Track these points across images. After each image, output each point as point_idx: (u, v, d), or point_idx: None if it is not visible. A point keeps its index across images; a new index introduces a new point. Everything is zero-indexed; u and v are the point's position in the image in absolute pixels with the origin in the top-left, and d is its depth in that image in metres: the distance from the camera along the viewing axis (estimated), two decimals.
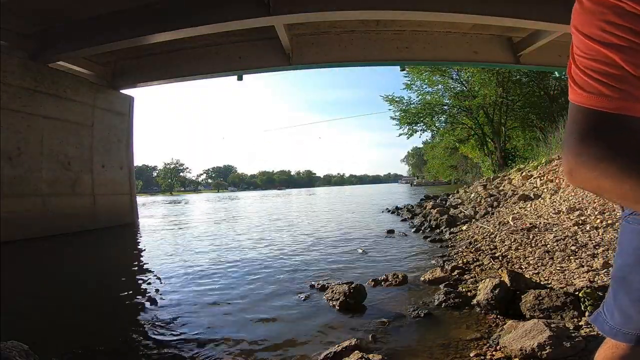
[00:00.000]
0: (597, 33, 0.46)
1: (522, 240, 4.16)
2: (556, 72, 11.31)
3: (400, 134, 20.31)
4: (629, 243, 0.71)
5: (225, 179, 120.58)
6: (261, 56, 8.58)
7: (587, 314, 2.06)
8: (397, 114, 20.01)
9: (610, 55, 0.46)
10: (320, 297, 2.89)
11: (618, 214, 4.12)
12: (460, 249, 4.44)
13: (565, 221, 4.57)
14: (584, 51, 0.49)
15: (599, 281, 2.58)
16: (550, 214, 5.14)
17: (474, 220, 6.36)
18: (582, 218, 4.47)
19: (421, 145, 41.74)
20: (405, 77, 18.92)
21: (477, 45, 8.65)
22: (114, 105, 9.69)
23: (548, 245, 3.75)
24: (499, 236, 4.61)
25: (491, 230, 5.06)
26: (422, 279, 3.23)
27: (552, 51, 8.18)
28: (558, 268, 3.06)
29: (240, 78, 9.47)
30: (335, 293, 2.73)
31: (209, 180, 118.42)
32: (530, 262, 3.38)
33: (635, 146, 0.46)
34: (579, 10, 0.49)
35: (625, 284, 0.71)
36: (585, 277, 2.71)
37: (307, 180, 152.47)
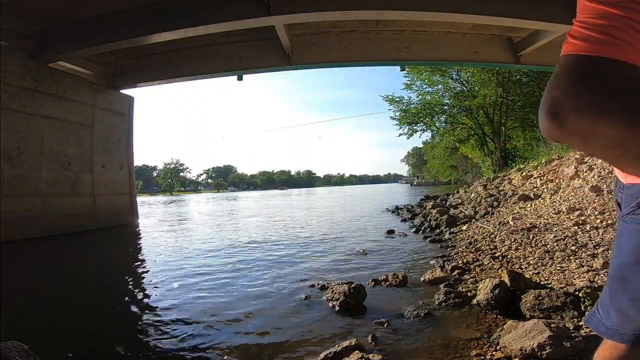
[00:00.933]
0: None
1: (522, 240, 4.16)
2: None
3: (400, 134, 20.30)
4: (628, 242, 0.70)
5: (225, 179, 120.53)
6: (261, 56, 8.58)
7: (587, 314, 2.06)
8: (397, 114, 20.01)
9: (609, 10, 0.46)
10: (320, 297, 2.89)
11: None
12: (460, 249, 4.44)
13: (565, 221, 4.57)
14: (584, 13, 0.49)
15: (599, 281, 2.58)
16: (550, 214, 5.14)
17: (474, 220, 6.35)
18: (582, 218, 4.47)
19: (421, 145, 41.74)
20: (405, 77, 18.92)
21: (477, 45, 8.65)
22: (114, 105, 9.69)
23: (548, 245, 3.75)
24: (499, 236, 4.61)
25: (491, 230, 5.06)
26: (422, 279, 3.24)
27: (552, 51, 8.17)
28: (558, 268, 3.06)
29: (240, 78, 9.47)
30: (335, 293, 2.73)
31: (209, 180, 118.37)
32: (530, 262, 3.38)
33: (633, 87, 0.43)
34: None
35: (624, 283, 0.70)
36: (585, 277, 2.71)
37: (307, 180, 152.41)
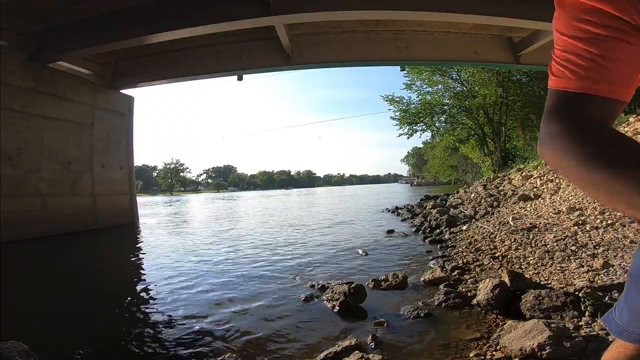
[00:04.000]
0: (569, 28, 0.52)
1: (522, 240, 4.16)
2: None
3: (400, 134, 20.28)
4: None
5: (225, 179, 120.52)
6: (261, 56, 8.58)
7: (587, 314, 2.06)
8: (397, 114, 20.00)
9: (578, 44, 0.51)
10: (320, 297, 2.89)
11: (618, 214, 4.13)
12: (460, 249, 4.44)
13: (565, 221, 4.57)
14: (558, 45, 0.54)
15: (599, 281, 2.58)
16: (550, 214, 5.14)
17: (474, 220, 6.35)
18: (582, 218, 4.47)
19: (421, 145, 41.71)
20: (405, 77, 18.92)
21: (477, 45, 8.65)
22: (114, 105, 9.69)
23: (548, 245, 3.75)
24: (499, 236, 4.61)
25: (491, 230, 5.06)
26: (422, 279, 3.23)
27: (552, 51, 8.17)
28: (558, 268, 3.06)
29: (240, 78, 9.47)
30: (335, 293, 2.73)
31: (209, 181, 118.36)
32: (530, 262, 3.38)
33: (593, 123, 0.48)
34: (557, 13, 0.55)
35: (638, 282, 0.70)
36: (585, 277, 2.71)
37: (308, 180, 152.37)
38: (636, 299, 0.70)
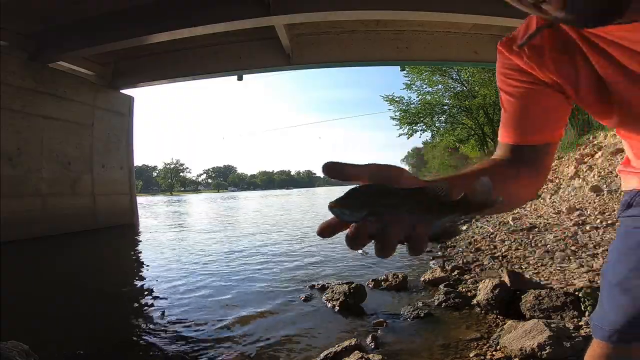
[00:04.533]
0: (500, 82, 0.65)
1: (522, 240, 4.16)
2: None
3: (400, 134, 20.28)
4: (613, 242, 0.76)
5: (225, 179, 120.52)
6: (261, 56, 8.58)
7: (587, 314, 2.06)
8: (397, 114, 19.99)
9: (509, 99, 0.64)
10: (320, 297, 2.89)
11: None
12: (460, 249, 4.44)
13: (565, 221, 4.57)
14: (500, 100, 0.67)
15: (598, 281, 2.58)
16: (550, 214, 5.14)
17: (474, 220, 6.34)
18: (582, 218, 4.47)
19: (421, 145, 41.71)
20: (405, 77, 18.91)
21: (477, 45, 8.64)
22: (114, 105, 9.68)
23: (548, 245, 3.75)
24: (499, 236, 4.61)
25: (491, 230, 5.06)
26: (422, 279, 3.23)
27: None
28: (558, 268, 3.06)
29: (240, 78, 9.47)
30: (335, 293, 2.73)
31: (209, 181, 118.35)
32: (530, 262, 3.38)
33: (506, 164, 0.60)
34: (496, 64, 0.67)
35: (604, 279, 0.76)
36: (585, 277, 2.70)
37: (308, 180, 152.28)
38: (603, 295, 0.74)
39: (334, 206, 0.36)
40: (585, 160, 6.64)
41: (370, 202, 0.36)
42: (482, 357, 1.78)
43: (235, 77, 9.41)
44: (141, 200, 19.60)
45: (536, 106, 0.61)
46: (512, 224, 5.18)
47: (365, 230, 0.36)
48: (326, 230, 0.38)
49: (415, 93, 19.64)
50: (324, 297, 2.83)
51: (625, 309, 0.70)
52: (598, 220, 4.21)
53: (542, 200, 6.19)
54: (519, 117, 0.62)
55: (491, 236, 4.76)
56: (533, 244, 3.94)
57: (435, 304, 2.57)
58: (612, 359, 0.71)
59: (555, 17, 0.43)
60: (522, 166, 0.63)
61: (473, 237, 5.02)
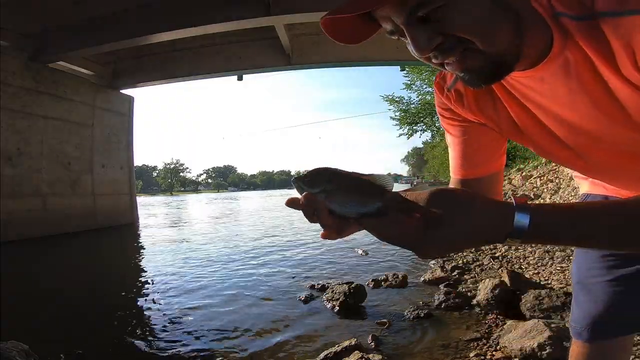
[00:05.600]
0: (443, 123, 0.69)
1: None
2: None
3: (400, 134, 20.28)
4: None
5: (225, 179, 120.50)
6: (261, 56, 8.57)
7: None
8: (397, 114, 19.99)
9: (446, 135, 0.69)
10: (320, 297, 2.89)
11: None
12: None
13: None
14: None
15: None
16: None
17: None
18: None
19: (421, 145, 41.71)
20: (405, 77, 18.92)
21: None
22: (114, 105, 9.68)
23: (548, 245, 3.75)
24: None
25: None
26: (422, 279, 3.24)
27: None
28: (558, 268, 3.06)
29: (240, 78, 9.46)
30: (335, 293, 2.73)
31: (209, 181, 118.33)
32: (530, 262, 3.38)
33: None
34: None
35: (572, 278, 0.81)
36: None
37: None
38: (573, 293, 0.80)
39: (295, 181, 0.43)
40: None
41: (323, 182, 0.42)
42: (482, 357, 1.79)
43: (235, 77, 9.41)
44: (140, 200, 19.61)
45: (474, 143, 0.65)
46: None
47: (314, 203, 0.41)
48: (291, 202, 0.43)
49: (415, 93, 19.67)
50: (324, 297, 2.83)
51: (587, 307, 0.74)
52: None
53: (542, 201, 6.19)
54: (461, 154, 0.66)
55: None
56: (533, 244, 3.93)
57: (435, 304, 2.57)
58: (588, 356, 0.73)
59: (457, 76, 0.49)
60: None
61: None
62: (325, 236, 0.43)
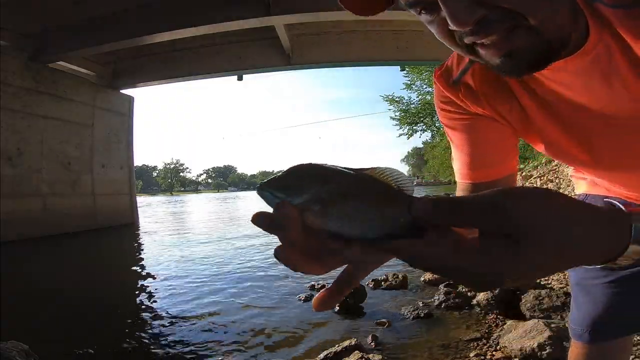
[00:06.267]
0: (441, 118, 0.65)
1: None
2: None
3: (400, 134, 20.30)
4: None
5: (225, 179, 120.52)
6: (261, 56, 8.57)
7: None
8: (397, 114, 20.01)
9: (454, 135, 0.62)
10: None
11: None
12: None
13: None
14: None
15: None
16: None
17: None
18: None
19: (421, 145, 41.75)
20: (405, 77, 18.93)
21: None
22: (114, 105, 9.68)
23: None
24: None
25: None
26: (422, 279, 3.24)
27: None
28: None
29: (240, 78, 9.46)
30: None
31: (209, 181, 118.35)
32: None
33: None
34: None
35: (570, 279, 0.81)
36: None
37: None
38: (573, 294, 0.79)
39: (262, 187, 0.26)
40: None
41: (314, 184, 0.26)
42: (482, 357, 1.79)
43: (235, 77, 9.41)
44: (140, 200, 19.63)
45: (482, 139, 0.58)
46: None
47: (294, 221, 0.26)
48: (257, 218, 0.27)
49: (416, 93, 19.68)
50: None
51: (587, 309, 0.74)
52: None
53: None
54: (469, 152, 0.59)
55: None
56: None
57: (436, 304, 2.57)
58: (588, 357, 0.73)
59: (489, 63, 0.40)
60: None
61: None
62: (317, 303, 0.29)
